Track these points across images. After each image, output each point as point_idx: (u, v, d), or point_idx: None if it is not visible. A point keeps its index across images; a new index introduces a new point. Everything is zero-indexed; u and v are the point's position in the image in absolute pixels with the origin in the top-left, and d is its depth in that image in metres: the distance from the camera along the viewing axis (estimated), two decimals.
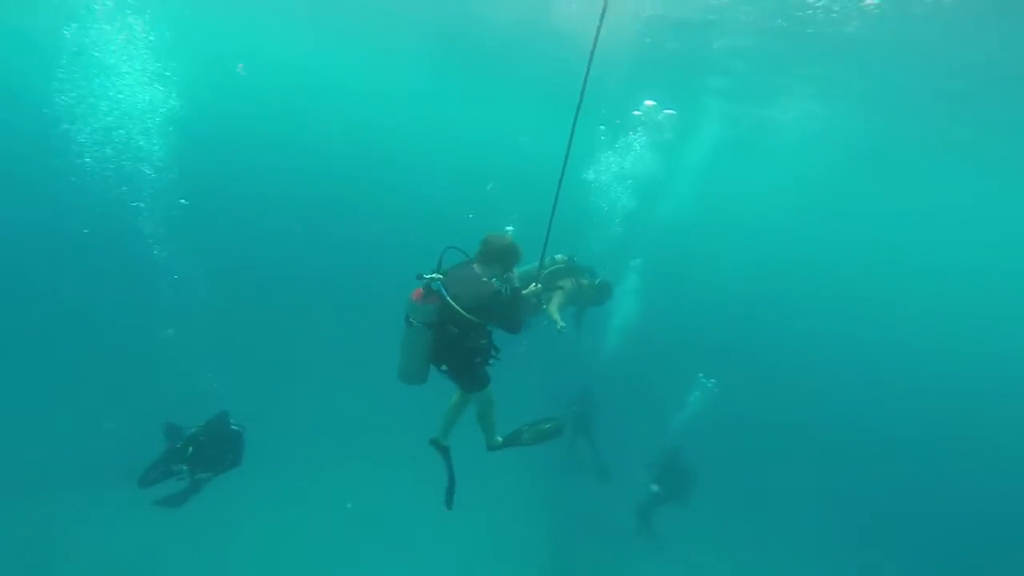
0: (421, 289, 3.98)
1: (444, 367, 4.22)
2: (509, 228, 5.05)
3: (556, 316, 6.12)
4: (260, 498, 9.64)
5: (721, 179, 24.64)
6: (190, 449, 6.07)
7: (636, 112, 14.40)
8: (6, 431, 9.53)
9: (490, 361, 4.30)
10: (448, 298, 3.95)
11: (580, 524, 11.25)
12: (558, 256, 6.62)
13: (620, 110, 14.30)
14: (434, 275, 4.01)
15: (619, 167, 14.59)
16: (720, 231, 29.69)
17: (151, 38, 11.21)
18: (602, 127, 14.56)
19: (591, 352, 11.66)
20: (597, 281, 6.86)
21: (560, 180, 3.89)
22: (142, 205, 11.56)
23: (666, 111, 14.40)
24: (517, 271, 4.60)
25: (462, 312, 3.93)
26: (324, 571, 8.73)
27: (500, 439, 5.02)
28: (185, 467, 6.06)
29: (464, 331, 4.01)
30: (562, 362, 13.08)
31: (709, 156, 20.66)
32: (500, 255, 4.24)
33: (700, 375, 14.40)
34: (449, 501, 4.89)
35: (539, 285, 5.06)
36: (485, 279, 4.09)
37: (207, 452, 6.14)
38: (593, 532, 11.15)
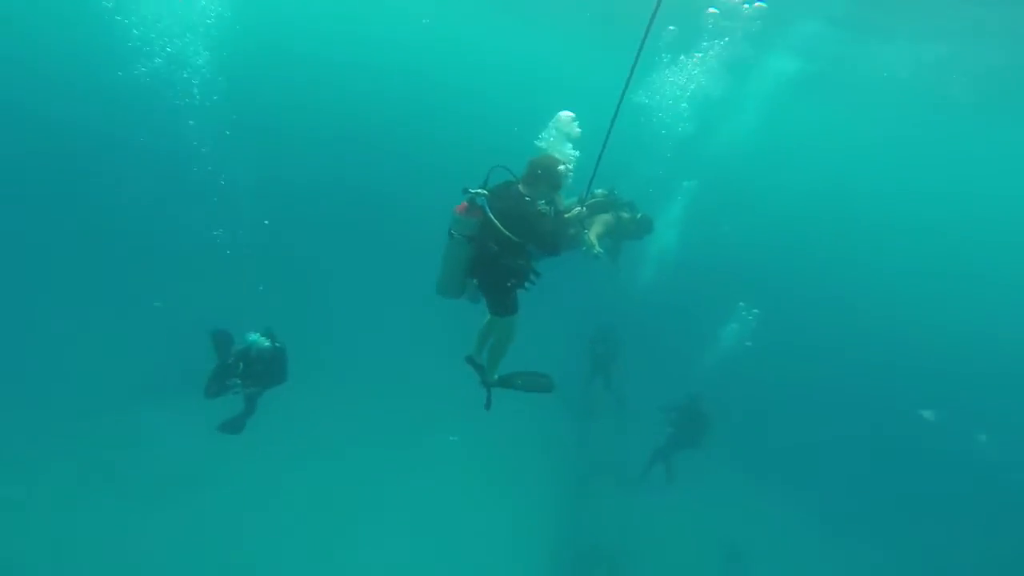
0: (466, 203, 4.02)
1: (475, 280, 4.31)
2: (575, 152, 4.92)
3: (594, 241, 5.95)
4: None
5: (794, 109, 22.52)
6: (240, 365, 6.34)
7: (711, 10, 12.22)
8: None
9: (526, 284, 4.27)
10: (490, 213, 3.96)
11: (595, 469, 11.54)
12: (598, 191, 6.39)
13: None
14: (479, 190, 4.00)
15: (680, 87, 13.39)
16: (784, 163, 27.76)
17: None
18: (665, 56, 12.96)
19: (626, 285, 11.47)
20: (638, 216, 6.62)
21: (613, 118, 3.60)
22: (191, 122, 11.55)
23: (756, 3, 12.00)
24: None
25: (502, 229, 3.95)
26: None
27: (497, 377, 5.01)
28: (239, 381, 6.34)
29: (503, 248, 4.03)
30: (594, 295, 12.99)
31: (784, 82, 18.71)
32: (546, 176, 4.15)
33: (741, 304, 13.98)
34: (488, 404, 5.05)
35: (584, 208, 5.00)
36: (529, 199, 4.06)
37: (256, 368, 6.38)
38: (607, 476, 11.47)
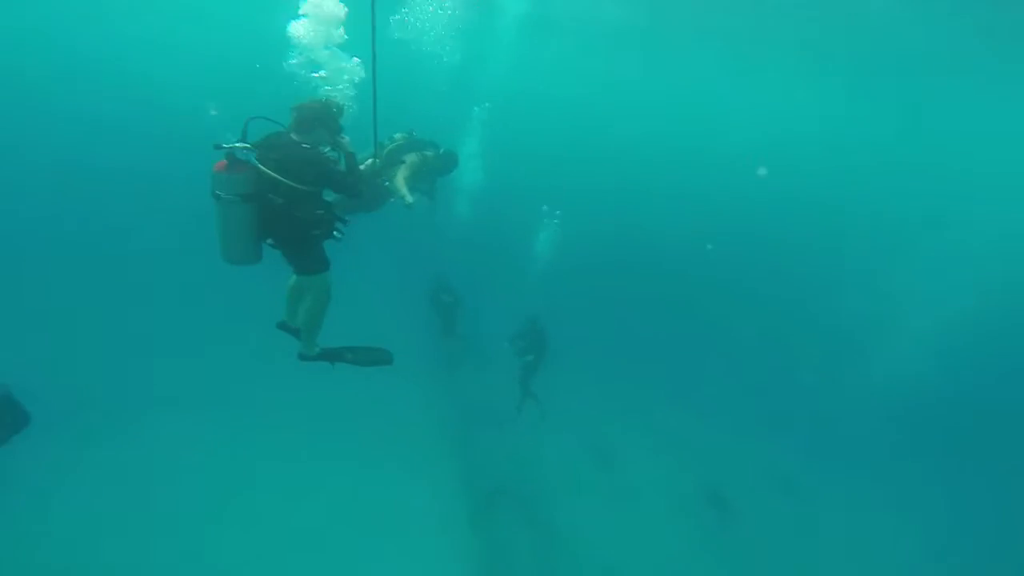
0: (224, 160, 3.60)
1: (270, 241, 3.95)
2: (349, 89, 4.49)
3: (404, 191, 5.75)
4: None
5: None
6: None
7: None
8: None
9: (335, 234, 4.02)
10: (258, 164, 3.68)
11: (473, 415, 11.52)
12: (396, 135, 6.18)
13: None
14: (239, 144, 3.61)
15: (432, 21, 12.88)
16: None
17: None
18: None
19: (444, 225, 11.26)
20: (441, 151, 6.57)
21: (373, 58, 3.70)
22: None
23: None
24: (356, 155, 4.24)
25: (282, 179, 3.67)
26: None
27: (318, 349, 4.60)
28: None
29: (290, 201, 3.75)
30: (418, 244, 12.58)
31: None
32: (321, 118, 3.89)
33: (544, 207, 14.43)
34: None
35: (377, 160, 4.95)
36: (307, 146, 3.81)
37: None
38: (487, 419, 11.48)
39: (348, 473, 9.01)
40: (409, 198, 5.74)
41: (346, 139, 4.11)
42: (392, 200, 5.87)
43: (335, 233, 4.03)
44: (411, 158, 6.07)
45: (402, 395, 10.81)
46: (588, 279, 16.38)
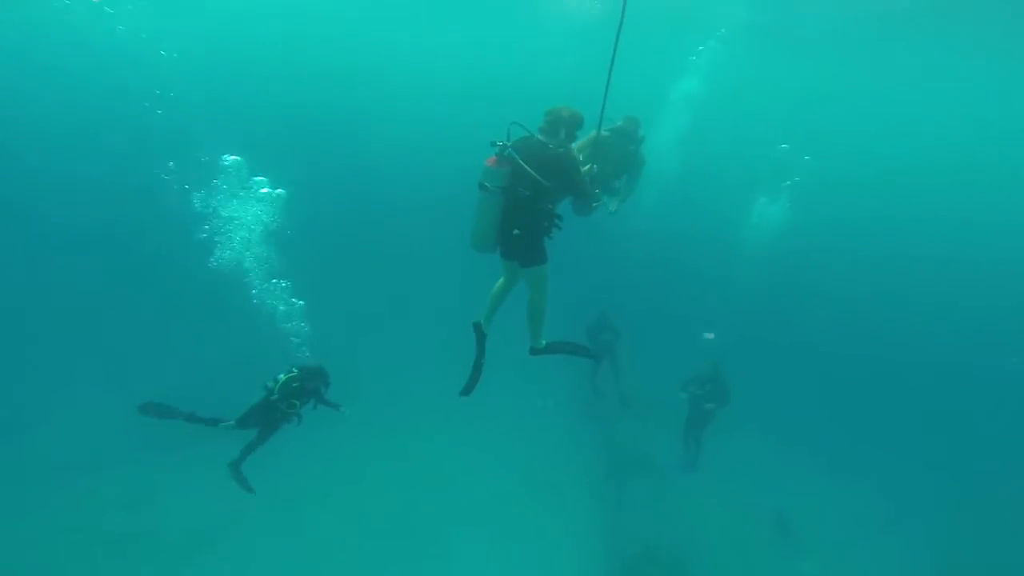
0: (495, 156, 4.32)
1: (517, 231, 4.47)
2: None
3: (610, 202, 5.95)
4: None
5: None
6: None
7: None
8: None
9: (554, 229, 4.54)
10: (520, 160, 4.27)
11: (626, 460, 10.98)
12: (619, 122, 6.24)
13: None
14: (506, 143, 4.30)
15: None
16: None
17: None
18: None
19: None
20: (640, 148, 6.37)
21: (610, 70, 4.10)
22: None
23: None
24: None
25: (532, 173, 4.25)
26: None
27: (544, 342, 5.05)
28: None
29: (535, 193, 4.33)
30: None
31: None
32: (566, 123, 4.47)
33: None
34: (468, 389, 5.12)
35: (595, 167, 5.09)
36: (552, 146, 4.39)
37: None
38: (640, 468, 10.90)
39: (492, 522, 8.94)
40: (613, 207, 5.86)
41: (574, 150, 4.57)
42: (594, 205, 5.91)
43: (554, 229, 4.54)
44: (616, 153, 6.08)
45: (552, 436, 10.77)
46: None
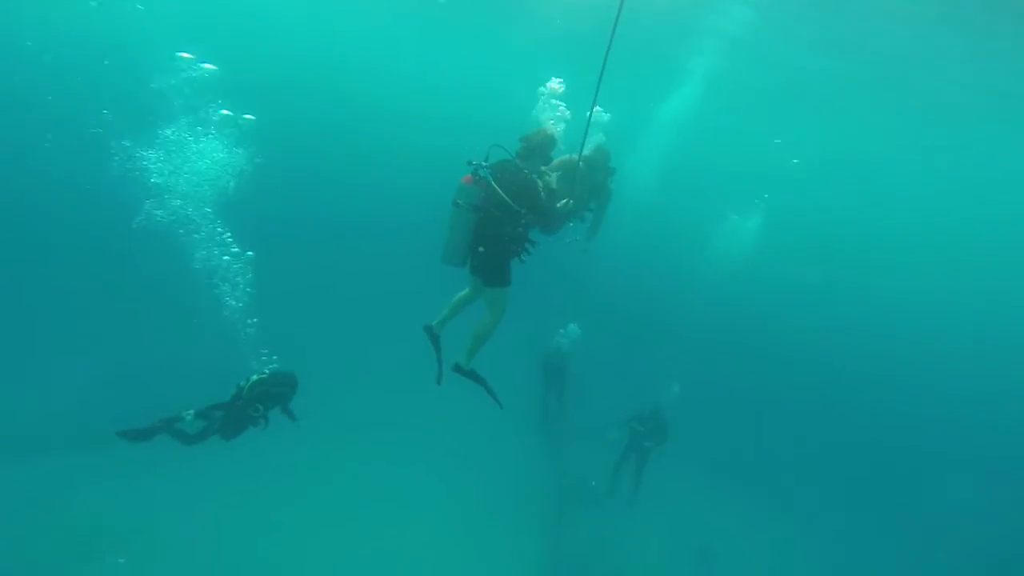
0: (471, 175, 4.44)
1: (481, 248, 4.56)
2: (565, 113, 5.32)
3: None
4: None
5: None
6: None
7: None
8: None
9: (523, 253, 4.64)
10: (493, 183, 4.43)
11: (568, 490, 11.15)
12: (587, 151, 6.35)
13: None
14: (483, 163, 4.45)
15: None
16: None
17: None
18: None
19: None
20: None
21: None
22: None
23: None
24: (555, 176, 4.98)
25: (504, 196, 4.38)
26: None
27: (471, 367, 4.99)
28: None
29: (505, 215, 4.44)
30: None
31: None
32: (538, 147, 4.65)
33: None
34: (439, 378, 5.13)
35: (571, 202, 5.04)
36: (526, 171, 4.58)
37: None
38: (580, 496, 11.11)
39: (433, 534, 8.87)
40: (583, 243, 5.90)
41: (553, 177, 4.83)
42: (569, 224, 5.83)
43: (523, 255, 4.63)
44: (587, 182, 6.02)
45: (500, 457, 10.81)
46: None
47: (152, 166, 7.85)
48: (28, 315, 11.61)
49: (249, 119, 8.95)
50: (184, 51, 9.02)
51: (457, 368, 4.99)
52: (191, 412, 5.74)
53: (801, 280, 23.45)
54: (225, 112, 8.67)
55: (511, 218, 4.45)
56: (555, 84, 5.29)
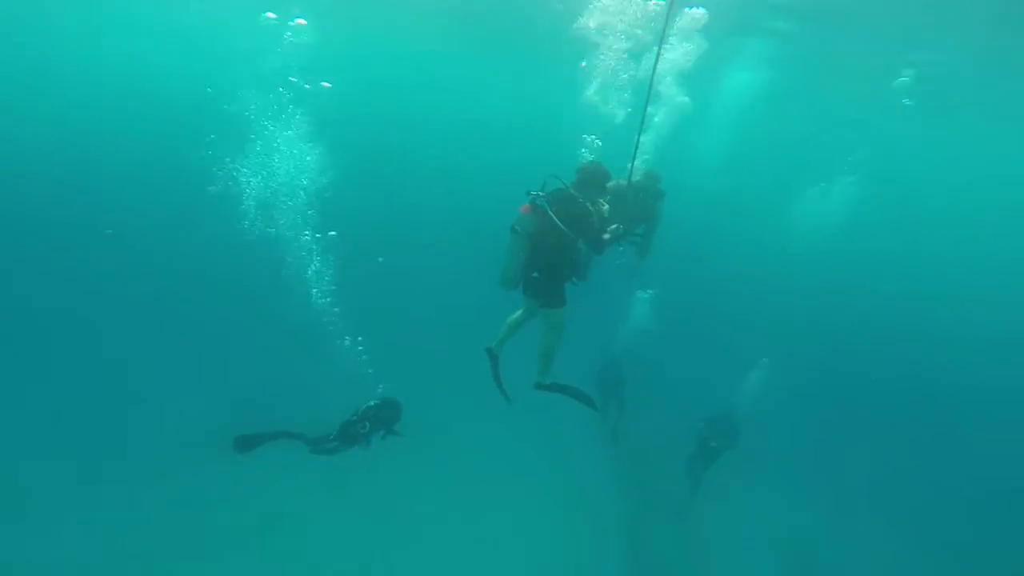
0: (529, 204, 4.70)
1: (536, 274, 4.81)
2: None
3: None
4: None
5: None
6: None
7: None
8: None
9: (576, 278, 4.90)
10: (550, 212, 4.63)
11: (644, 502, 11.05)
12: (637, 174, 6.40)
13: None
14: (540, 193, 4.70)
15: None
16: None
17: None
18: None
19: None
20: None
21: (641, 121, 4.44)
22: None
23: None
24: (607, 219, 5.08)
25: (559, 224, 4.58)
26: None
27: (550, 381, 5.24)
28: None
29: (559, 242, 4.65)
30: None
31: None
32: (593, 179, 4.88)
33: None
34: (505, 395, 5.46)
35: (621, 227, 5.18)
36: (581, 200, 4.76)
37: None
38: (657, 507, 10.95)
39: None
40: (633, 267, 6.25)
41: (605, 207, 4.97)
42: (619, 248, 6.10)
43: (577, 278, 4.89)
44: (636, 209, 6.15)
45: (571, 470, 10.94)
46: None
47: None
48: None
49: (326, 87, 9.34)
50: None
51: (539, 386, 5.24)
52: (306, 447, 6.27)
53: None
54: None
55: (565, 245, 4.66)
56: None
